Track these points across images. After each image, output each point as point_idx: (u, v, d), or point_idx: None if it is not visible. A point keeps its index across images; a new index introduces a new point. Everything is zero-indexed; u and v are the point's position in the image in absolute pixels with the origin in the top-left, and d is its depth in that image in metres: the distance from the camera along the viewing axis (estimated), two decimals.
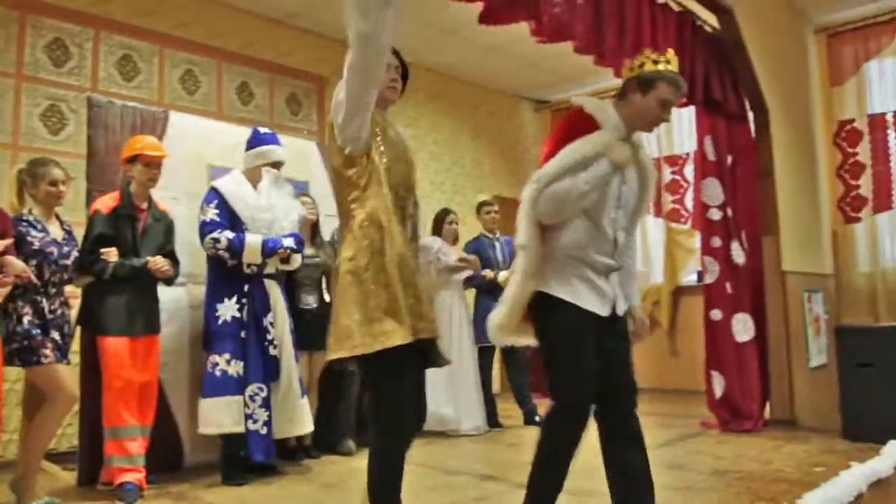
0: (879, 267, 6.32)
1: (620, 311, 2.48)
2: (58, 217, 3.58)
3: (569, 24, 3.98)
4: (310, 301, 4.49)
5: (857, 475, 3.52)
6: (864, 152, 6.46)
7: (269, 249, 3.92)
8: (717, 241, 5.24)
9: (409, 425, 2.20)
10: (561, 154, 2.34)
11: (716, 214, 5.27)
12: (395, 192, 2.22)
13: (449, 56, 7.28)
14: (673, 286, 7.56)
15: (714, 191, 5.29)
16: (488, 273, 5.34)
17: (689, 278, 7.52)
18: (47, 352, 3.26)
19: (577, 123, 2.42)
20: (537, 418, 5.36)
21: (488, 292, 5.33)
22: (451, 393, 5.08)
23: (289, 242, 4.00)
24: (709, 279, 5.25)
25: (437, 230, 5.42)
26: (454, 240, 5.45)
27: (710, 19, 5.25)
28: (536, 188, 2.36)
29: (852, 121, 6.52)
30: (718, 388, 5.11)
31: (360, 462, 4.29)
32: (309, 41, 6.58)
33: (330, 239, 4.82)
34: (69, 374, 3.39)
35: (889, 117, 6.30)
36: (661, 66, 2.39)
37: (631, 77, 2.44)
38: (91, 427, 3.74)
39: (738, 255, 5.25)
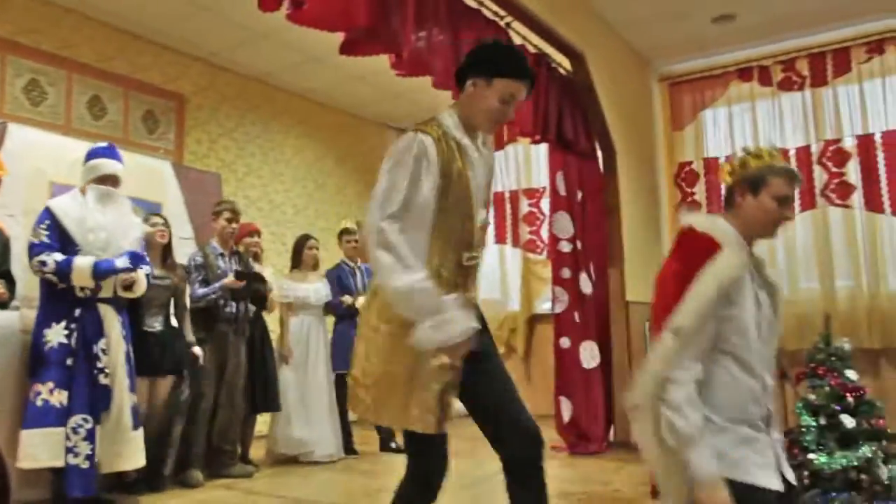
0: None
1: (789, 474, 1.99)
2: None
3: (428, 59, 4.10)
4: (154, 324, 4.31)
5: None
6: (700, 192, 7.00)
7: (101, 271, 3.69)
8: (566, 273, 5.52)
9: (440, 479, 2.17)
10: (694, 295, 1.91)
11: (566, 247, 5.55)
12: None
13: (316, 82, 7.28)
14: (528, 314, 7.85)
15: (564, 224, 5.58)
16: (347, 299, 5.34)
17: (544, 306, 7.83)
18: None
19: (696, 247, 2.01)
20: (393, 444, 5.39)
21: (348, 318, 5.33)
22: (305, 418, 5.04)
23: (121, 262, 3.76)
24: (558, 308, 5.51)
25: (296, 256, 5.39)
26: (314, 265, 5.42)
27: (563, 62, 5.56)
28: (677, 345, 1.90)
29: (690, 163, 7.07)
30: (566, 412, 5.35)
31: (207, 494, 4.16)
32: (168, 57, 6.38)
33: (189, 261, 4.68)
34: None
35: (721, 161, 6.89)
36: (766, 160, 2.05)
37: (736, 180, 2.08)
38: None
39: (586, 285, 5.55)
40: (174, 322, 4.45)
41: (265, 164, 7.19)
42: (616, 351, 5.62)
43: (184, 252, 4.85)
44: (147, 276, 4.00)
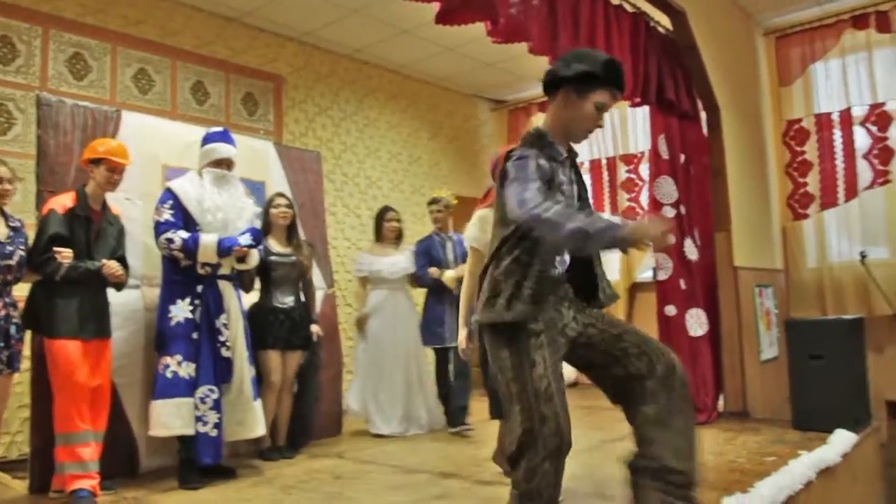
0: (826, 262, 6.49)
1: None
2: (3, 215, 3.49)
3: (524, 25, 4.01)
4: (286, 301, 4.47)
5: (806, 464, 3.64)
6: (811, 151, 6.63)
7: (224, 248, 3.87)
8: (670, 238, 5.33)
9: None
10: None
11: (669, 212, 5.37)
12: None
13: (407, 55, 7.29)
14: (629, 283, 7.68)
15: (668, 188, 5.39)
16: (434, 272, 5.22)
17: (645, 275, 7.64)
18: None
19: None
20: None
21: (436, 292, 5.29)
22: (404, 393, 5.14)
23: (245, 240, 3.96)
24: (662, 276, 5.35)
25: (377, 230, 5.44)
26: (396, 238, 5.41)
27: (663, 20, 5.34)
28: None
29: (800, 120, 6.70)
30: None
31: (320, 463, 4.29)
32: (264, 39, 6.52)
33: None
34: None
35: (834, 117, 6.48)
36: None
37: None
38: (42, 433, 3.64)
39: (691, 251, 5.36)
40: (303, 298, 4.61)
41: (360, 140, 7.28)
42: (724, 318, 5.41)
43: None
44: (259, 251, 4.19)
